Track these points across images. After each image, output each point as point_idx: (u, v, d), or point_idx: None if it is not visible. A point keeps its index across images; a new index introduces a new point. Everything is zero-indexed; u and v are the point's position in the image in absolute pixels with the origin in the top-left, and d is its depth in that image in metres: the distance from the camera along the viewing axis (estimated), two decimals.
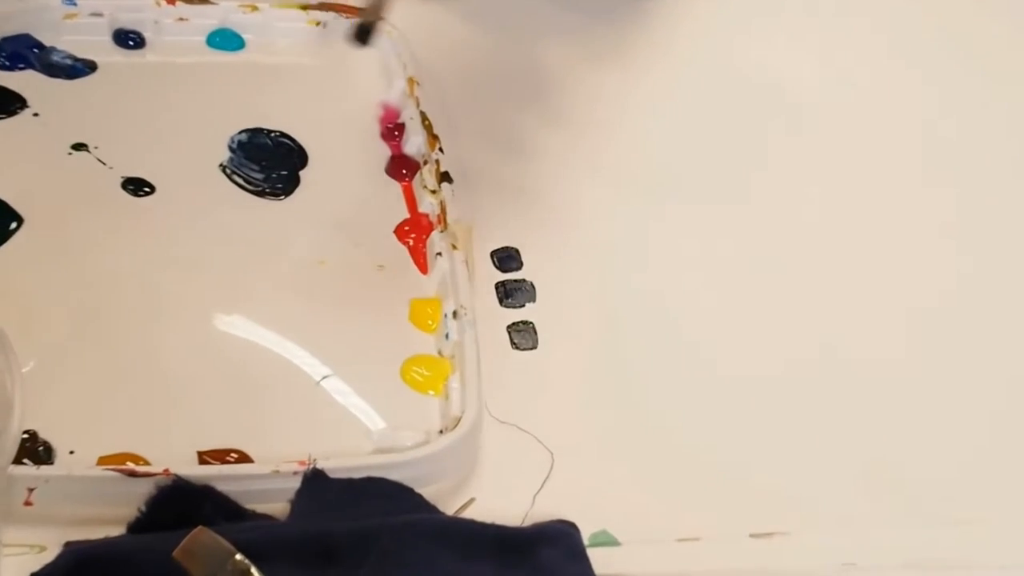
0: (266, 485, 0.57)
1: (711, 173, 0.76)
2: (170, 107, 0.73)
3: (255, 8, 0.77)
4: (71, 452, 0.58)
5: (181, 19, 0.76)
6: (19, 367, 0.54)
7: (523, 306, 0.69)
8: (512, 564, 0.56)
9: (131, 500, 0.56)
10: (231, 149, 0.72)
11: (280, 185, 0.71)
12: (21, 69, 0.73)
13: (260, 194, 0.71)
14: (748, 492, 0.62)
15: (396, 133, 0.75)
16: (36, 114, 0.71)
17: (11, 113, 0.71)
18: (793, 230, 0.74)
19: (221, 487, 0.57)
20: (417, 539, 0.56)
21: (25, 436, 0.57)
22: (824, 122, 0.79)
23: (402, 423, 0.62)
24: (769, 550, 0.60)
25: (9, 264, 0.64)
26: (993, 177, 0.78)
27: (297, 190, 0.71)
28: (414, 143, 0.74)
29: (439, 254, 0.68)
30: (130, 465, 0.57)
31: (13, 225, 0.65)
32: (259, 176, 0.71)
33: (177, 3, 0.76)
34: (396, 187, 0.73)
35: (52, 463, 0.57)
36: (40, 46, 0.74)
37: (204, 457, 0.59)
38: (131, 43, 0.75)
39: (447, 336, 0.65)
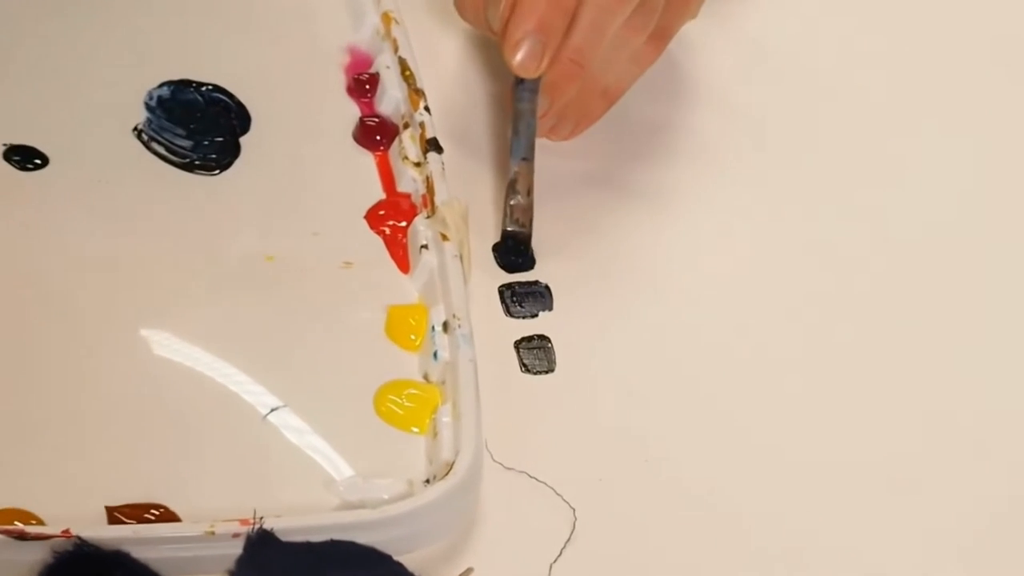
0: (197, 551, 0.58)
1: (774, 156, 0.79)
2: (67, 50, 0.74)
3: None
4: None
5: None
6: None
7: (536, 316, 0.70)
8: None
9: (19, 571, 0.57)
10: (148, 107, 0.73)
11: (214, 155, 0.72)
12: None
13: (188, 167, 0.72)
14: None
15: (367, 87, 0.76)
16: None
17: None
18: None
19: (137, 553, 0.57)
20: None
21: None
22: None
23: (376, 469, 0.63)
24: None
25: None
26: None
27: (236, 162, 0.72)
28: (391, 100, 0.75)
29: (424, 246, 0.69)
30: (19, 525, 0.57)
31: None
32: (186, 143, 0.72)
33: None
34: (368, 158, 0.74)
35: None
36: None
37: (115, 514, 0.60)
38: None
39: (435, 355, 0.66)
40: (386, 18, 0.77)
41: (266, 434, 0.63)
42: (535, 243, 0.72)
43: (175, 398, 0.64)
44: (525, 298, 0.71)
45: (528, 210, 0.72)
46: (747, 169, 0.78)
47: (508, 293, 0.71)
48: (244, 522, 0.58)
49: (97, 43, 0.75)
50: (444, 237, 0.69)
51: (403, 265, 0.70)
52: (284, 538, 0.58)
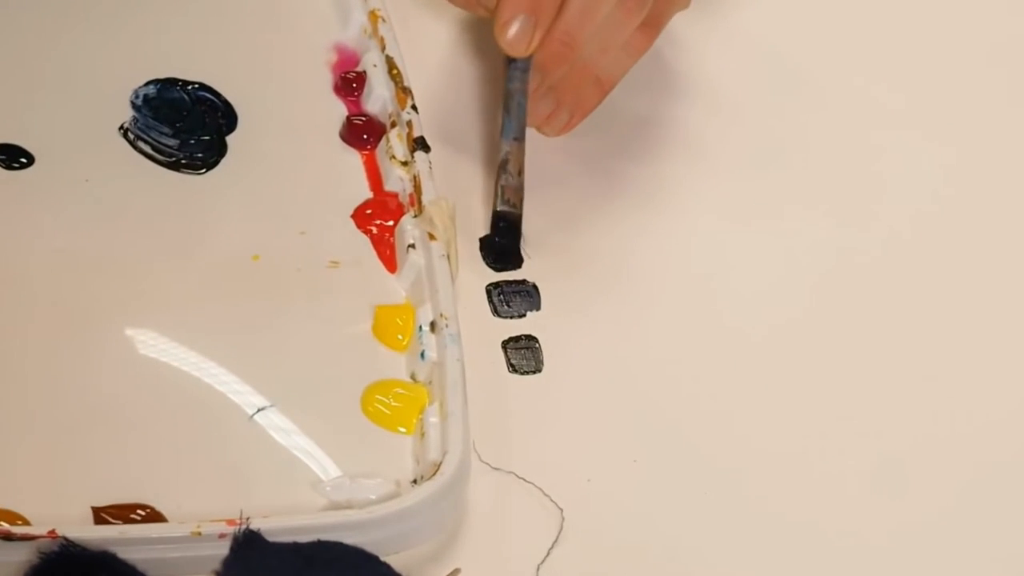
0: (184, 551, 0.58)
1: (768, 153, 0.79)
2: (53, 48, 0.74)
3: None
4: None
5: None
6: None
7: (524, 316, 0.70)
8: None
9: (4, 571, 0.57)
10: (135, 106, 0.73)
11: (200, 154, 0.72)
12: None
13: (174, 166, 0.72)
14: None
15: (354, 85, 0.76)
16: None
17: None
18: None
19: (124, 554, 0.57)
20: None
21: None
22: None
23: (363, 470, 0.63)
24: None
25: None
26: None
27: (223, 161, 0.72)
28: (378, 99, 0.75)
29: (411, 246, 0.69)
30: (4, 525, 0.58)
31: None
32: (172, 142, 0.72)
33: None
34: (355, 157, 0.74)
35: None
36: None
37: (102, 514, 0.60)
38: None
39: (423, 355, 0.66)
40: (373, 16, 0.77)
41: (253, 434, 0.63)
42: (523, 241, 0.72)
43: (161, 398, 0.64)
44: (513, 298, 0.71)
45: (519, 190, 0.72)
46: (738, 167, 0.78)
47: (496, 293, 0.71)
48: (230, 522, 0.58)
49: (83, 41, 0.75)
50: (431, 236, 0.69)
51: (390, 265, 0.70)
52: (271, 538, 0.58)
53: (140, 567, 0.58)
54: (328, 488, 0.62)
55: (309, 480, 0.62)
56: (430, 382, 0.65)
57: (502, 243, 0.72)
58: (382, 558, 0.59)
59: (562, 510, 0.63)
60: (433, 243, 0.69)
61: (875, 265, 0.76)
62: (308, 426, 0.64)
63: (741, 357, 0.71)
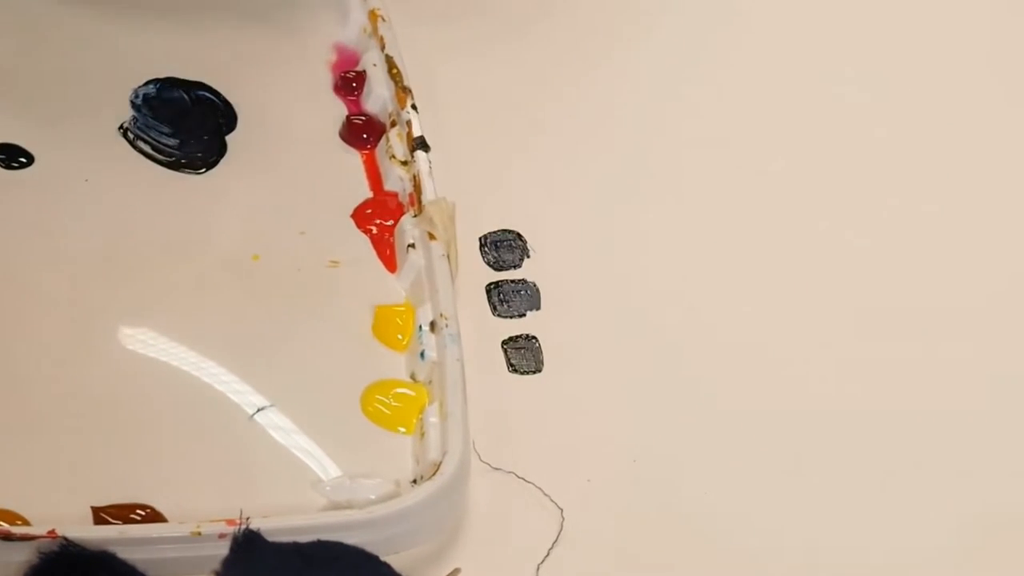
0: (184, 551, 0.58)
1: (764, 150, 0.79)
2: (53, 49, 0.75)
3: None
4: None
5: None
6: None
7: (523, 315, 0.71)
8: None
9: (4, 571, 0.57)
10: (135, 106, 0.73)
11: (200, 154, 0.73)
12: None
13: (174, 165, 0.72)
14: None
15: (354, 85, 0.76)
16: None
17: None
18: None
19: (123, 554, 0.57)
20: None
21: None
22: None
23: (363, 469, 0.63)
24: None
25: None
26: None
27: (223, 161, 0.73)
28: (378, 98, 0.75)
29: (411, 246, 0.70)
30: (4, 525, 0.58)
31: None
32: (172, 142, 0.73)
33: None
34: (355, 157, 0.74)
35: None
36: None
37: (101, 514, 0.60)
38: None
39: (423, 355, 0.66)
40: (373, 16, 0.77)
41: (253, 434, 0.64)
42: (528, 241, 0.73)
43: (161, 398, 0.64)
44: (512, 297, 0.71)
45: None
46: (738, 166, 0.78)
47: (495, 292, 0.71)
48: (230, 522, 0.58)
49: (83, 41, 0.75)
50: (431, 236, 0.69)
51: (390, 264, 0.70)
52: (271, 538, 0.59)
53: (140, 567, 0.58)
54: (328, 488, 0.62)
55: (309, 480, 0.62)
56: (430, 382, 0.65)
57: None
58: (382, 558, 0.60)
59: (562, 510, 0.64)
60: (433, 243, 0.69)
61: (879, 260, 0.76)
62: (308, 426, 0.64)
63: (741, 357, 0.71)
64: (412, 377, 0.66)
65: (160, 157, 0.72)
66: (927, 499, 0.67)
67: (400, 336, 0.68)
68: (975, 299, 0.75)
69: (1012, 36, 0.88)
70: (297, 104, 0.75)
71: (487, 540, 0.63)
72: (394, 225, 0.71)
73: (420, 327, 0.67)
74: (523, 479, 0.64)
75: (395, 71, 0.75)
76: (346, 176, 0.73)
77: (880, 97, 0.83)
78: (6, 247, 0.67)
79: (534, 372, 0.69)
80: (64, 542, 0.57)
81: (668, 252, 0.74)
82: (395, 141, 0.73)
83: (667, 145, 0.78)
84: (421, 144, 0.72)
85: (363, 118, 0.75)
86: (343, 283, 0.69)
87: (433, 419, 0.64)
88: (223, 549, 0.58)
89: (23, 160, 0.70)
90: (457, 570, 0.61)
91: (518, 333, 0.70)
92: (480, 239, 0.73)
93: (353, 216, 0.72)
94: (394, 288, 0.70)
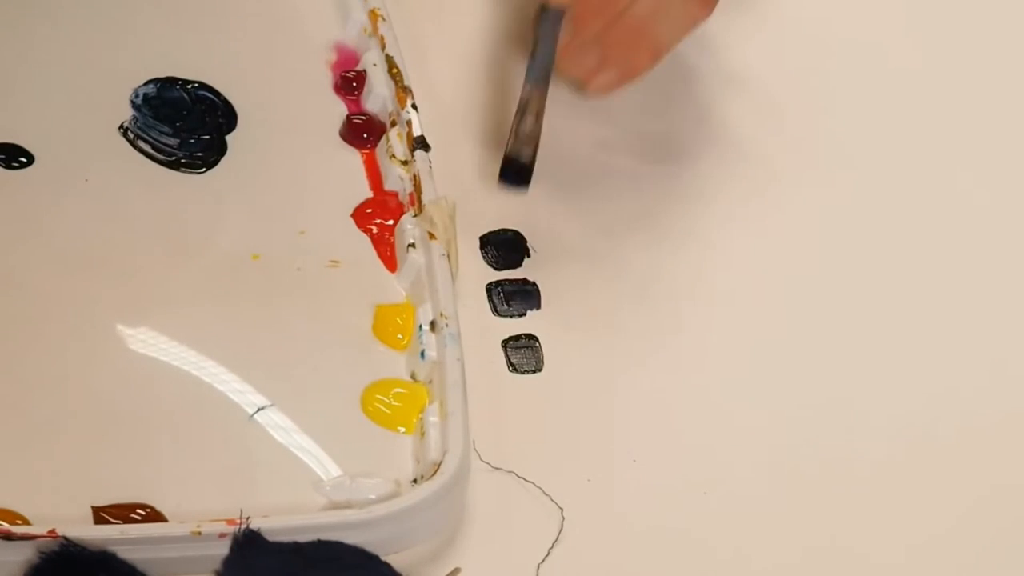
0: (184, 551, 0.58)
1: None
2: (53, 47, 0.75)
3: None
4: None
5: None
6: None
7: (524, 315, 0.71)
8: None
9: (4, 571, 0.57)
10: (135, 105, 0.73)
11: (200, 153, 0.73)
12: None
13: (174, 165, 0.72)
14: None
15: (354, 84, 0.76)
16: None
17: None
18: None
19: (124, 553, 0.58)
20: None
21: None
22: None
23: (363, 469, 0.63)
24: None
25: None
26: None
27: (223, 160, 0.73)
28: (378, 98, 0.75)
29: (411, 245, 0.70)
30: (4, 525, 0.58)
31: None
32: (172, 141, 0.73)
33: None
34: (355, 156, 0.74)
35: None
36: None
37: (101, 514, 0.60)
38: None
39: (423, 354, 0.66)
40: (373, 15, 0.77)
41: (253, 434, 0.64)
42: (529, 240, 0.73)
43: (161, 397, 0.64)
44: (513, 297, 0.71)
45: (535, 136, 0.72)
46: (739, 167, 0.78)
47: (496, 292, 0.71)
48: (231, 522, 0.59)
49: (83, 41, 0.75)
50: (431, 236, 0.69)
51: (390, 264, 0.70)
52: (271, 538, 0.59)
53: (140, 567, 0.58)
54: (328, 488, 0.62)
55: (309, 480, 0.63)
56: (430, 381, 0.65)
57: (511, 178, 0.72)
58: (382, 558, 0.60)
59: (562, 510, 0.64)
60: (433, 242, 0.69)
61: (885, 270, 0.76)
62: (308, 426, 0.64)
63: (741, 357, 0.71)
64: (412, 377, 0.67)
65: (160, 157, 0.72)
66: (927, 500, 0.67)
67: (400, 336, 0.68)
68: None
69: None
70: (297, 103, 0.75)
71: (487, 540, 0.63)
72: (394, 225, 0.71)
73: (420, 327, 0.67)
74: (523, 479, 0.64)
75: (395, 71, 0.75)
76: (346, 176, 0.73)
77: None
78: (6, 247, 0.67)
79: (534, 372, 0.69)
80: (64, 542, 0.57)
81: (668, 251, 0.74)
82: (395, 141, 0.73)
83: (666, 143, 0.78)
84: (421, 144, 0.72)
85: (363, 118, 0.75)
86: (343, 283, 0.69)
87: (433, 419, 0.64)
88: (223, 549, 0.58)
89: (23, 160, 0.70)
90: (457, 570, 0.61)
91: (518, 333, 0.70)
92: (480, 239, 0.73)
93: (353, 216, 0.72)
94: (394, 288, 0.70)
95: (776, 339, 0.72)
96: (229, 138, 0.73)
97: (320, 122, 0.75)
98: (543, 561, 0.62)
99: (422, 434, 0.64)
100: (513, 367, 0.69)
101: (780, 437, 0.68)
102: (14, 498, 0.60)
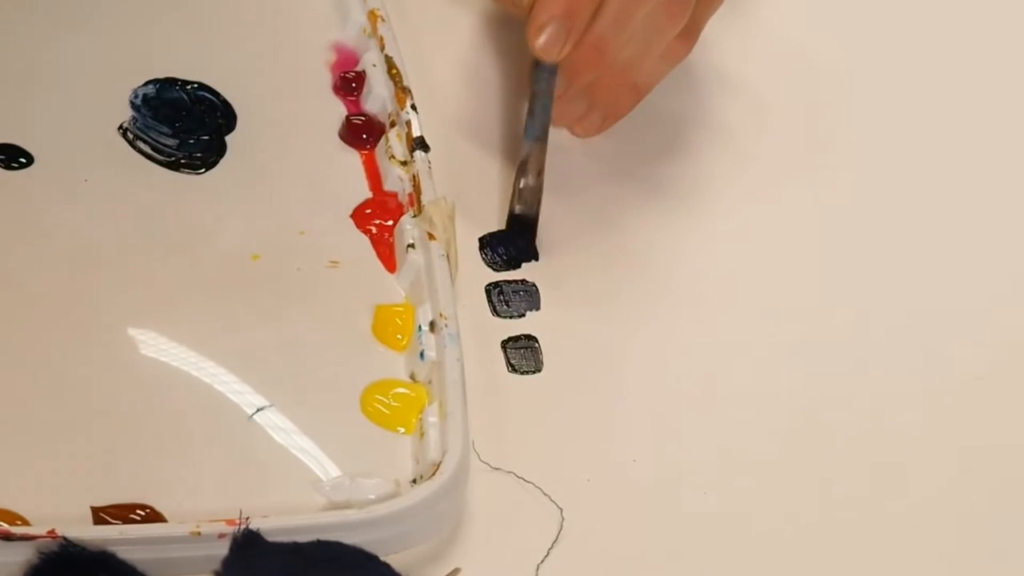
0: (183, 551, 0.58)
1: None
2: (52, 48, 0.75)
3: None
4: None
5: None
6: None
7: (523, 315, 0.71)
8: None
9: (4, 571, 0.57)
10: (134, 106, 0.74)
11: (199, 154, 0.73)
12: None
13: (173, 166, 0.72)
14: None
15: (353, 85, 0.76)
16: None
17: None
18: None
19: (123, 554, 0.58)
20: None
21: None
22: None
23: (363, 469, 0.63)
24: None
25: None
26: None
27: (222, 161, 0.73)
28: (377, 98, 0.75)
29: (411, 246, 0.70)
30: (4, 525, 0.58)
31: None
32: (171, 142, 0.73)
33: None
34: (354, 157, 0.74)
35: None
36: None
37: (101, 514, 0.60)
38: None
39: (422, 355, 0.66)
40: (372, 16, 0.77)
41: (252, 434, 0.64)
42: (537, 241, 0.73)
43: (160, 397, 0.64)
44: (512, 297, 0.71)
45: (537, 192, 0.72)
46: (739, 166, 0.78)
47: (495, 292, 0.71)
48: (230, 522, 0.59)
49: (82, 41, 0.75)
50: (431, 236, 0.69)
51: (389, 264, 0.70)
52: (270, 538, 0.59)
53: (140, 567, 0.58)
54: (327, 488, 0.62)
55: (308, 480, 0.63)
56: (429, 382, 0.65)
57: (516, 247, 0.72)
58: (382, 558, 0.60)
59: (562, 509, 0.64)
60: (432, 243, 0.69)
61: (890, 268, 0.76)
62: (308, 426, 0.64)
63: (741, 357, 0.71)
64: (412, 377, 0.67)
65: (160, 157, 0.72)
66: (926, 501, 0.67)
67: (400, 336, 0.68)
68: None
69: None
70: (297, 104, 0.76)
71: (487, 540, 0.63)
72: (394, 225, 0.71)
73: (420, 327, 0.67)
74: (523, 479, 0.64)
75: (395, 71, 0.75)
76: (346, 176, 0.73)
77: None
78: (6, 247, 0.67)
79: (534, 372, 0.69)
80: (64, 542, 0.57)
81: (668, 251, 0.74)
82: (394, 141, 0.73)
83: (666, 143, 0.78)
84: (421, 144, 0.72)
85: (363, 118, 0.75)
86: (343, 283, 0.69)
87: (433, 419, 0.64)
88: (223, 549, 0.58)
89: (23, 160, 0.70)
90: (457, 570, 0.61)
91: (518, 333, 0.70)
92: (480, 239, 0.73)
93: (353, 216, 0.72)
94: (394, 288, 0.70)
95: (776, 340, 0.72)
96: (229, 138, 0.73)
97: (319, 122, 0.75)
98: (543, 561, 0.62)
99: (422, 434, 0.64)
100: (513, 368, 0.69)
101: (781, 437, 0.68)
102: (14, 498, 0.60)
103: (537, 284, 0.71)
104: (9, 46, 0.74)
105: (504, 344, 0.69)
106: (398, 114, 0.74)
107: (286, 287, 0.69)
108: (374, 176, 0.73)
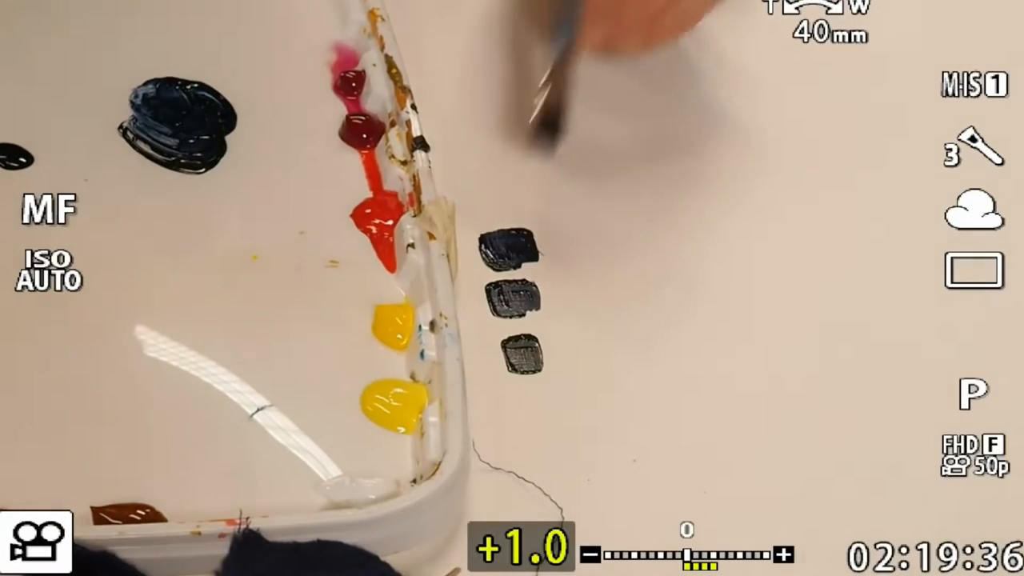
0: (184, 551, 0.59)
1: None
2: (52, 47, 0.75)
3: None
4: None
5: None
6: None
7: (523, 315, 0.71)
8: None
9: None
10: (134, 106, 0.74)
11: (199, 154, 0.73)
12: None
13: (173, 165, 0.72)
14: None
15: (353, 85, 0.76)
16: None
17: None
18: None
19: (123, 553, 0.58)
20: None
21: None
22: None
23: (363, 469, 0.63)
24: None
25: None
26: None
27: (222, 160, 0.73)
28: (377, 98, 0.75)
29: (411, 245, 0.70)
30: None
31: None
32: (171, 142, 0.73)
33: None
34: (354, 157, 0.74)
35: None
36: None
37: (101, 514, 0.60)
38: None
39: (422, 354, 0.66)
40: (372, 15, 0.77)
41: (252, 434, 0.64)
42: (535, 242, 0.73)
43: (161, 398, 0.64)
44: (512, 297, 0.71)
45: (567, 96, 0.71)
46: (740, 168, 0.78)
47: (495, 292, 0.71)
48: (230, 522, 0.59)
49: (83, 41, 0.75)
50: (431, 236, 0.69)
51: (390, 264, 0.70)
52: (270, 538, 0.59)
53: (140, 567, 0.58)
54: (328, 488, 0.62)
55: (309, 480, 0.63)
56: (429, 381, 0.66)
57: (547, 132, 0.70)
58: (382, 557, 0.60)
59: (562, 510, 0.64)
60: (432, 242, 0.69)
61: (889, 270, 0.76)
62: (308, 426, 0.64)
63: (741, 357, 0.71)
64: (412, 377, 0.67)
65: (160, 157, 0.72)
66: (928, 501, 0.67)
67: (400, 336, 0.68)
68: None
69: None
70: (297, 104, 0.76)
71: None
72: (394, 225, 0.71)
73: (420, 327, 0.67)
74: (523, 479, 0.64)
75: (394, 71, 0.75)
76: (346, 176, 0.73)
77: None
78: (6, 247, 0.67)
79: (534, 372, 0.69)
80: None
81: (669, 251, 0.74)
82: (395, 141, 0.73)
83: (667, 142, 0.78)
84: (421, 144, 0.72)
85: (363, 118, 0.75)
86: (343, 283, 0.69)
87: (433, 419, 0.64)
88: (223, 549, 0.59)
89: (23, 160, 0.70)
90: (457, 570, 0.61)
91: (518, 333, 0.70)
92: (480, 239, 0.73)
93: (353, 216, 0.72)
94: (394, 288, 0.70)
95: (777, 341, 0.72)
96: (229, 138, 0.73)
97: (319, 122, 0.75)
98: (542, 561, 0.62)
99: (422, 434, 0.64)
100: (513, 367, 0.69)
101: (781, 437, 0.68)
102: (16, 498, 0.60)
103: (537, 284, 0.71)
104: (9, 46, 0.74)
105: (504, 344, 0.69)
106: (398, 114, 0.74)
107: (286, 287, 0.69)
108: (374, 176, 0.73)
